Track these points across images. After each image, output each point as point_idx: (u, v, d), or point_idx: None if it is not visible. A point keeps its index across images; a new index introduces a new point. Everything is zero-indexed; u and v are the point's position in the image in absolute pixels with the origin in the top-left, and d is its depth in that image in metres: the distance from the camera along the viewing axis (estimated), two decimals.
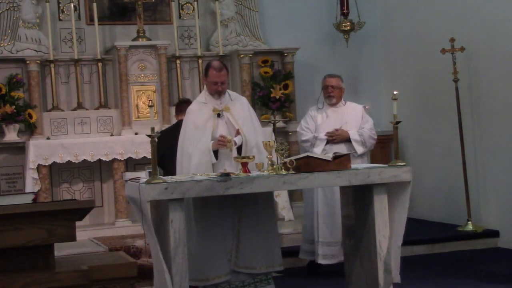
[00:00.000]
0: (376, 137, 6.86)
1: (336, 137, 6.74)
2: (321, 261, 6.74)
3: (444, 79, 8.51)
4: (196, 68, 8.99)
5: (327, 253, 6.70)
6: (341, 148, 6.58)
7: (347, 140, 6.76)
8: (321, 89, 6.98)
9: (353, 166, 5.67)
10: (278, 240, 6.02)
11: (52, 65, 8.42)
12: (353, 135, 6.76)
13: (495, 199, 8.12)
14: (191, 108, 6.04)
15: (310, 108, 7.09)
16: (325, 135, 6.77)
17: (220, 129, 5.86)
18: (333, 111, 6.89)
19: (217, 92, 5.89)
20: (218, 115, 5.88)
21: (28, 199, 4.40)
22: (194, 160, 5.74)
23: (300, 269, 7.19)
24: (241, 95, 6.31)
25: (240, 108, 5.97)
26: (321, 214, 6.75)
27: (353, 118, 6.86)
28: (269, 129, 8.01)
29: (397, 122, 5.61)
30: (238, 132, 5.82)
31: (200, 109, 5.92)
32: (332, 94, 6.86)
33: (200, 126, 5.83)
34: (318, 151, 6.64)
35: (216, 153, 5.75)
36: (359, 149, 6.73)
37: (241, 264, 5.78)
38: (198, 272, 5.61)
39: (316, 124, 6.90)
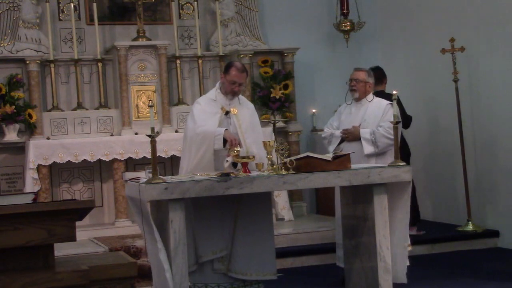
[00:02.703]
0: (393, 136, 6.19)
1: (348, 135, 6.42)
2: (339, 264, 6.43)
3: (444, 79, 8.51)
4: (196, 68, 8.99)
5: None
6: (356, 147, 6.26)
7: (360, 138, 6.39)
8: (346, 83, 6.66)
9: (356, 165, 5.68)
10: (274, 249, 5.96)
11: (52, 65, 8.42)
12: (364, 133, 6.37)
13: (495, 199, 8.13)
14: (199, 101, 6.07)
15: (343, 104, 6.80)
16: (340, 133, 6.49)
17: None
18: (357, 108, 6.54)
19: (232, 92, 5.90)
20: (227, 113, 5.89)
21: (28, 199, 4.39)
22: (196, 138, 5.73)
23: (300, 269, 7.20)
24: (249, 101, 6.33)
25: (246, 113, 5.99)
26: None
27: (373, 116, 6.43)
28: (269, 129, 8.01)
29: (397, 122, 5.61)
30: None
31: (208, 104, 5.93)
32: (354, 88, 6.48)
33: (207, 115, 5.84)
34: (331, 149, 6.40)
35: (225, 142, 5.72)
36: (368, 149, 6.31)
37: (233, 269, 5.79)
38: (193, 254, 5.66)
39: (340, 121, 6.61)
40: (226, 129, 5.76)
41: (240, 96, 6.05)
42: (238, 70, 5.86)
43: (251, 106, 6.16)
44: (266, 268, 5.85)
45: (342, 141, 6.49)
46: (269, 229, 5.95)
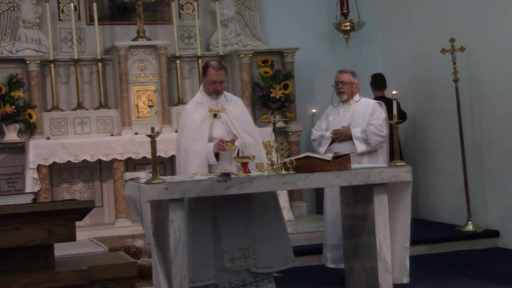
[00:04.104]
0: (384, 134, 6.43)
1: (339, 135, 6.48)
2: (328, 264, 6.54)
3: (444, 79, 8.51)
4: (196, 68, 8.99)
5: (336, 256, 6.43)
6: (347, 147, 6.32)
7: (351, 138, 6.44)
8: (332, 86, 6.72)
9: (356, 165, 5.68)
10: (288, 237, 6.07)
11: (52, 65, 8.42)
12: (355, 132, 6.43)
13: (495, 199, 8.12)
14: (187, 108, 6.10)
15: (329, 106, 6.84)
16: (330, 134, 6.55)
17: (217, 129, 5.89)
18: (345, 109, 6.61)
19: (215, 92, 5.91)
20: (215, 115, 5.90)
21: (28, 199, 4.39)
22: (190, 159, 5.76)
23: (300, 269, 7.19)
24: (236, 97, 6.36)
25: (235, 109, 6.01)
26: (330, 216, 6.52)
27: (362, 115, 6.51)
28: (269, 129, 8.01)
29: (397, 122, 5.62)
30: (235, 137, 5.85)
31: (196, 109, 5.96)
32: (342, 90, 6.55)
33: (197, 125, 5.86)
34: (322, 150, 6.46)
35: (217, 155, 5.77)
36: (360, 147, 6.38)
37: (260, 265, 5.81)
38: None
39: (328, 122, 6.66)
40: (209, 144, 5.78)
41: (226, 93, 6.08)
42: (215, 69, 5.88)
43: (239, 101, 6.17)
44: (287, 256, 5.98)
45: (332, 141, 6.54)
46: (281, 219, 6.05)
